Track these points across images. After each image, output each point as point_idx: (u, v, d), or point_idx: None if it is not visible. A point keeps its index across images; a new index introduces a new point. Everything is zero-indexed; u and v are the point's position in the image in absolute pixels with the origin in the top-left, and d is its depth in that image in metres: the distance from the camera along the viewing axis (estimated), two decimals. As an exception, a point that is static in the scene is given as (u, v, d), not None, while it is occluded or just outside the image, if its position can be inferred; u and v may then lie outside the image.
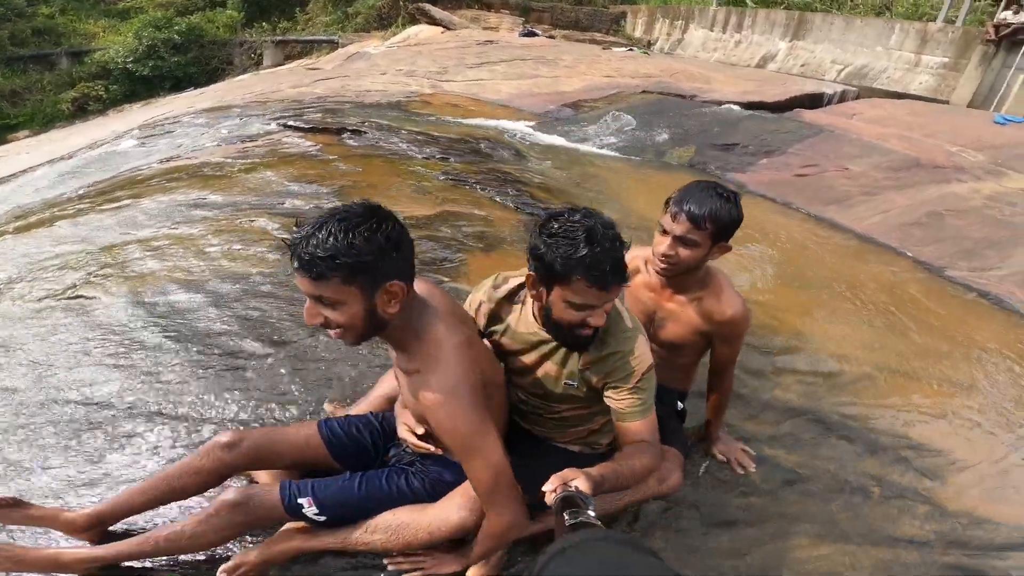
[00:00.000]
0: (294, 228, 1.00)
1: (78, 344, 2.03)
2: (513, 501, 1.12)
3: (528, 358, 1.30)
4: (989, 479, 1.71)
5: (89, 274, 2.61)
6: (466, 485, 1.22)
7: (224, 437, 1.26)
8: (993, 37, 7.71)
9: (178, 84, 15.53)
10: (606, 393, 1.24)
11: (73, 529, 1.30)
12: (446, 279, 2.44)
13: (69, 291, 2.50)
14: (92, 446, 1.60)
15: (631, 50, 10.58)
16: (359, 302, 1.01)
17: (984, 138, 5.03)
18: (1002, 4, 8.21)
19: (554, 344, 1.26)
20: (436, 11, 14.03)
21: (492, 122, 5.67)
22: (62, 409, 1.75)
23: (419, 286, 1.15)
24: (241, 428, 1.47)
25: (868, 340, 2.34)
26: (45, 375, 1.92)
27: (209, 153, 4.64)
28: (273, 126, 5.32)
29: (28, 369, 1.97)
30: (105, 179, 4.75)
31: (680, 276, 1.44)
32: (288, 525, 1.30)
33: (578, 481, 0.97)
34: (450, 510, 1.22)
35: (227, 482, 1.31)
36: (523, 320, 1.29)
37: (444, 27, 13.51)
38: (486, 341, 1.35)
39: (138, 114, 11.51)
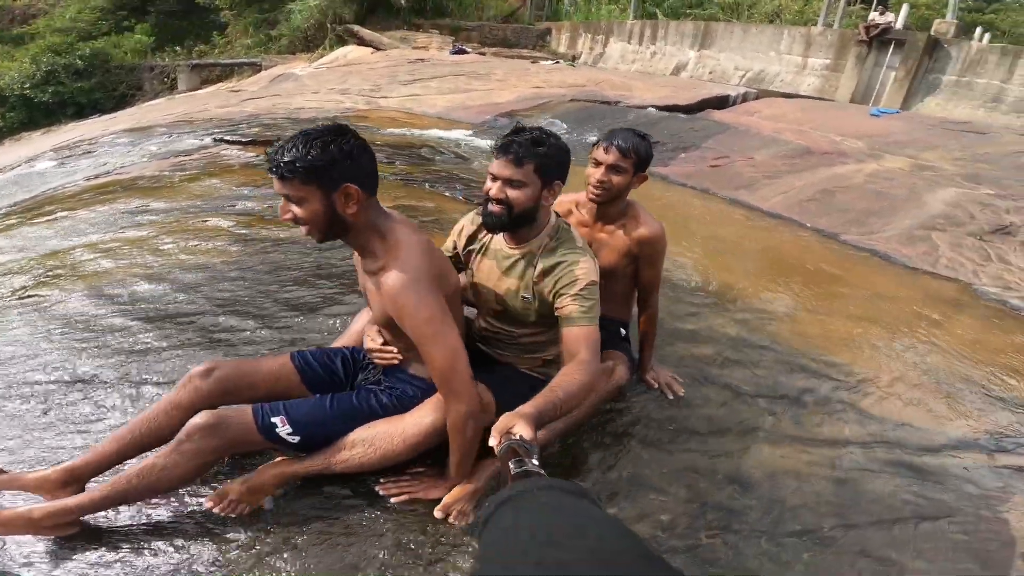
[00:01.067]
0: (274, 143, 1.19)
1: (40, 334, 2.01)
2: (469, 388, 1.22)
3: (495, 273, 1.45)
4: (898, 391, 2.06)
5: (37, 276, 2.55)
6: (434, 396, 1.31)
7: (200, 367, 1.30)
8: (865, 38, 8.82)
9: (81, 111, 14.63)
10: (555, 304, 1.36)
11: (47, 488, 1.25)
12: None
13: (18, 293, 2.44)
14: (76, 415, 1.62)
15: (558, 63, 11.16)
16: (318, 200, 1.18)
17: (862, 128, 5.80)
18: (872, 6, 9.40)
19: (515, 257, 1.42)
20: (365, 32, 14.14)
21: (431, 132, 5.88)
22: (32, 389, 1.75)
23: (385, 207, 1.30)
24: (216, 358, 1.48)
25: (786, 288, 2.72)
26: (6, 364, 1.89)
27: (141, 168, 4.54)
28: (207, 140, 5.25)
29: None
30: (28, 198, 4.52)
31: (608, 205, 1.68)
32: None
33: (518, 427, 0.98)
34: (420, 414, 1.29)
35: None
36: (496, 238, 1.47)
37: (374, 48, 13.62)
38: (467, 272, 1.51)
39: (41, 141, 10.77)
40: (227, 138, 5.18)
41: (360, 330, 1.58)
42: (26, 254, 2.95)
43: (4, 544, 1.23)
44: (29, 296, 2.41)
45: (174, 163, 4.54)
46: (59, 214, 3.59)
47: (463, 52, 12.49)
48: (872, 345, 2.36)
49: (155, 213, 3.26)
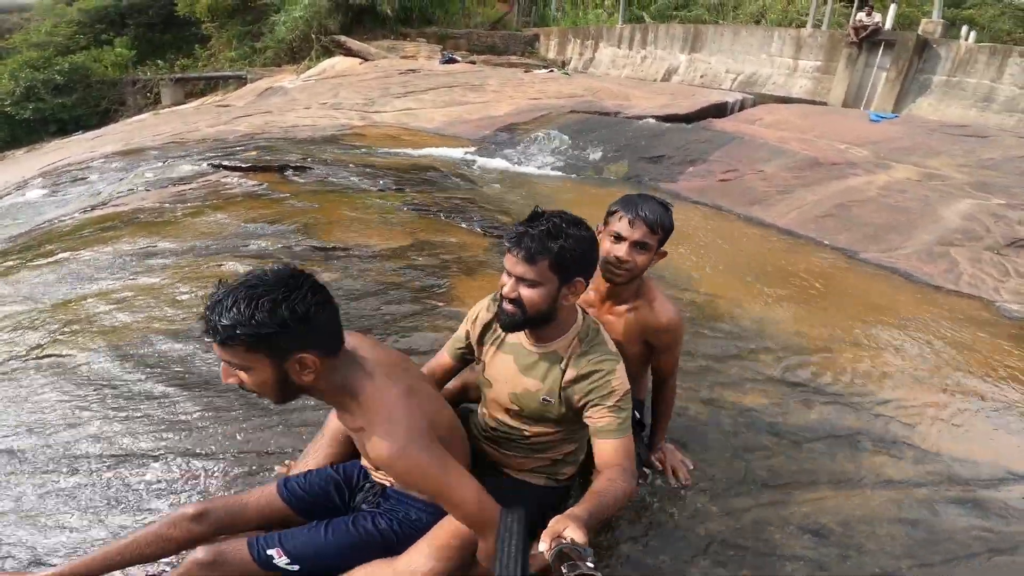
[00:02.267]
0: (211, 290, 1.03)
1: (70, 401, 1.93)
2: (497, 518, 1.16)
3: (512, 370, 1.34)
4: (947, 423, 2.05)
5: (52, 332, 2.45)
6: (431, 533, 1.23)
7: (190, 509, 1.27)
8: (855, 39, 8.90)
9: (64, 127, 14.36)
10: (586, 412, 1.27)
11: None
12: (441, 303, 2.52)
13: (35, 352, 2.34)
14: (133, 492, 1.55)
15: (552, 71, 11.12)
16: (268, 369, 1.03)
17: (864, 135, 5.83)
18: (855, 6, 9.49)
19: (537, 357, 1.31)
20: (352, 42, 14.00)
21: (433, 151, 5.80)
22: (79, 463, 1.67)
23: (350, 341, 1.18)
24: (203, 499, 1.47)
25: (817, 317, 2.69)
26: (47, 434, 1.81)
27: (140, 199, 4.41)
28: (205, 167, 5.12)
29: (26, 431, 1.84)
30: (22, 233, 4.37)
31: (624, 286, 1.52)
32: None
33: (570, 531, 0.94)
34: (418, 561, 1.20)
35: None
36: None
37: (362, 58, 13.48)
38: (481, 352, 1.41)
39: (25, 161, 10.50)
40: (225, 163, 5.05)
41: (335, 434, 1.49)
42: (34, 305, 2.83)
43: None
44: (47, 356, 2.31)
45: (174, 193, 4.41)
46: (60, 255, 3.46)
47: (453, 61, 12.41)
48: (914, 376, 2.35)
49: (165, 255, 3.15)
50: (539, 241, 1.17)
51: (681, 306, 2.77)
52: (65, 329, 2.48)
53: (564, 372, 1.29)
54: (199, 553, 1.20)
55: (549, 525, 0.97)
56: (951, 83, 8.26)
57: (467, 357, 1.49)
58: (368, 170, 4.72)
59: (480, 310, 1.43)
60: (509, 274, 1.22)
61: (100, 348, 2.27)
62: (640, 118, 6.80)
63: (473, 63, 12.49)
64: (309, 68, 13.97)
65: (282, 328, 1.00)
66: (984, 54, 8.07)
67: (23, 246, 3.93)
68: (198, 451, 1.70)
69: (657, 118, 6.79)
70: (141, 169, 5.33)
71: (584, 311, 1.36)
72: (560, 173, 5.42)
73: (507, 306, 1.23)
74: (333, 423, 1.52)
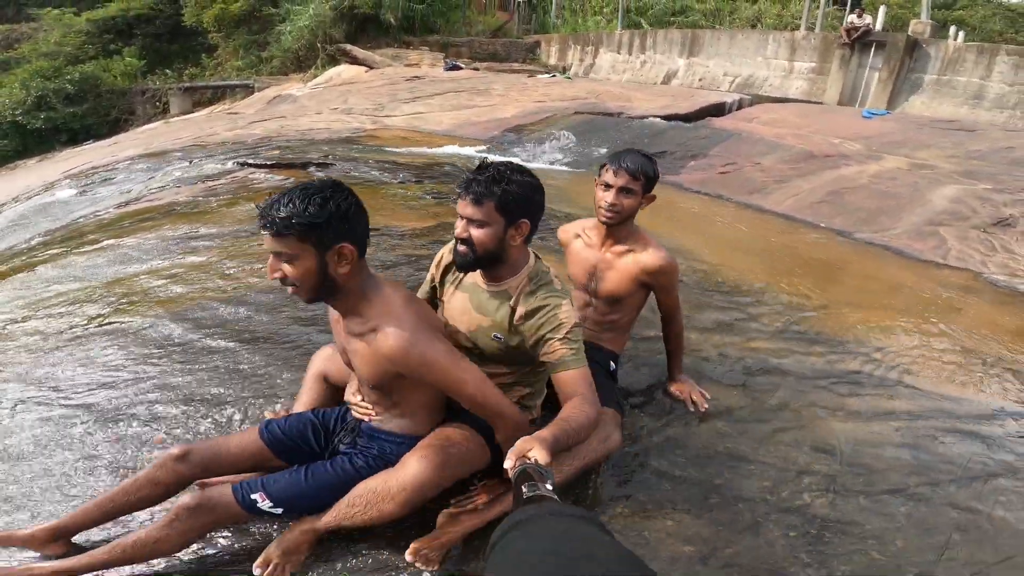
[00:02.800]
0: (266, 198, 1.17)
1: (137, 360, 2.13)
2: (507, 405, 1.29)
3: (467, 308, 1.43)
4: (940, 369, 2.27)
5: (110, 304, 2.66)
6: (420, 443, 1.33)
7: (175, 451, 1.35)
8: (847, 40, 9.19)
9: (75, 137, 14.58)
10: (541, 350, 1.33)
11: (36, 544, 1.35)
12: None
13: (96, 320, 2.55)
14: (208, 436, 1.76)
15: (555, 76, 11.43)
16: (312, 258, 1.16)
17: (857, 130, 6.09)
18: (847, 8, 9.80)
19: (490, 295, 1.39)
20: (357, 51, 14.32)
21: (447, 149, 6.05)
22: (156, 409, 1.88)
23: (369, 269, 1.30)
24: (189, 442, 1.55)
25: (815, 283, 2.92)
26: (120, 388, 2.01)
27: (173, 194, 4.64)
28: (230, 165, 5.36)
29: (99, 387, 2.05)
30: (59, 227, 4.60)
31: (617, 228, 1.70)
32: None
33: (534, 451, 0.98)
34: (409, 465, 1.28)
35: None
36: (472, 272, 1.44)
37: (367, 66, 13.80)
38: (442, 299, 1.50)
39: (41, 169, 10.74)
40: (250, 161, 5.30)
41: (317, 376, 1.62)
42: (87, 283, 3.05)
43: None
44: (109, 323, 2.52)
45: (204, 188, 4.65)
46: (105, 242, 3.69)
47: (457, 68, 12.72)
48: (906, 330, 2.57)
49: (207, 239, 3.38)
50: (485, 185, 1.28)
51: (688, 273, 3.02)
52: (123, 301, 2.70)
53: (514, 310, 1.36)
54: (185, 498, 1.27)
55: (516, 444, 1.02)
56: (942, 82, 8.54)
57: (435, 299, 1.58)
58: (387, 165, 4.97)
59: (444, 252, 1.53)
60: (461, 217, 1.33)
61: (160, 315, 2.49)
62: (642, 118, 7.05)
63: (476, 70, 12.80)
64: (316, 76, 14.28)
65: (329, 220, 1.14)
66: (972, 53, 8.36)
67: (65, 236, 4.16)
68: (264, 395, 1.90)
69: (659, 118, 7.04)
70: (169, 168, 5.58)
71: (537, 256, 1.45)
72: (568, 168, 5.67)
73: (460, 247, 1.34)
74: (315, 367, 1.64)
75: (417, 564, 1.30)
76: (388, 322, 1.23)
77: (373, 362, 1.27)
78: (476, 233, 1.30)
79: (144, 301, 2.66)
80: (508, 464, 0.97)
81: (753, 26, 13.72)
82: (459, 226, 1.33)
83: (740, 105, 7.83)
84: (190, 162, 5.78)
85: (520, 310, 1.36)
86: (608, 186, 1.67)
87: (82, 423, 1.89)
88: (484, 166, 1.33)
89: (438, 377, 1.24)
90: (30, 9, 20.38)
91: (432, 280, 1.56)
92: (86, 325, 2.56)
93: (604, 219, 1.70)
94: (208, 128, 8.65)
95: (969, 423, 1.97)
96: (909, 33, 9.10)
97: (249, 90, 15.02)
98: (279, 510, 1.31)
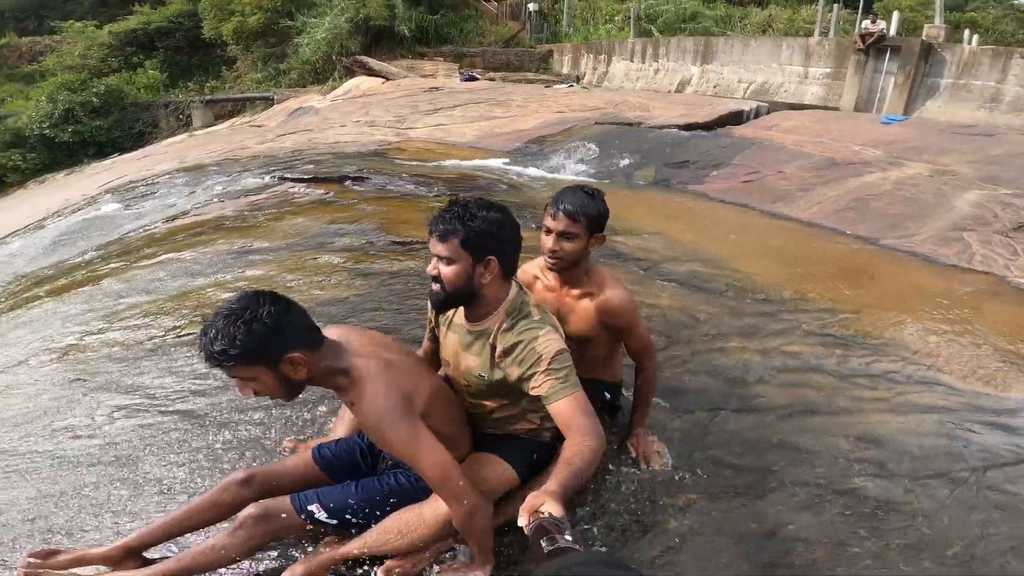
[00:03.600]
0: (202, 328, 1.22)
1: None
2: (466, 490, 1.29)
3: (458, 348, 1.46)
4: (970, 368, 2.40)
5: (184, 316, 2.86)
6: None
7: (239, 475, 1.47)
8: (862, 46, 9.29)
9: (102, 150, 14.87)
10: (529, 386, 1.33)
11: (110, 562, 1.46)
12: None
13: (174, 331, 2.75)
14: (301, 431, 1.93)
15: (572, 86, 11.63)
16: (268, 375, 1.22)
17: (876, 136, 6.20)
18: (859, 13, 9.91)
19: (473, 335, 1.41)
20: (374, 62, 14.62)
21: (474, 162, 6.24)
22: (255, 415, 2.05)
23: (334, 331, 1.37)
24: (251, 466, 1.65)
25: (846, 289, 3.07)
26: (213, 395, 2.19)
27: (219, 208, 4.86)
28: (268, 179, 5.59)
29: (192, 394, 2.23)
30: (112, 241, 4.83)
31: (569, 271, 1.64)
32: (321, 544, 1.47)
33: (546, 506, 0.97)
34: (440, 502, 1.34)
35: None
36: (459, 312, 1.45)
37: (384, 78, 14.08)
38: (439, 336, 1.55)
39: (72, 183, 11.03)
40: (288, 176, 5.52)
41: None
42: (154, 296, 3.25)
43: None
44: (187, 334, 2.71)
45: (248, 203, 4.86)
46: (162, 256, 3.90)
47: (473, 79, 12.96)
48: (936, 332, 2.71)
49: (263, 253, 3.57)
50: (449, 222, 1.29)
51: (719, 282, 3.17)
52: (196, 313, 2.89)
53: (494, 348, 1.37)
54: (250, 509, 1.39)
55: (526, 500, 1.01)
56: (958, 86, 8.61)
57: (436, 338, 1.60)
58: (420, 179, 5.16)
59: None
60: (432, 255, 1.34)
61: (234, 326, 2.68)
62: (662, 127, 7.20)
63: (492, 80, 13.03)
64: (334, 88, 14.59)
65: (263, 340, 1.18)
66: (987, 56, 8.43)
67: (121, 251, 4.38)
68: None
69: (678, 127, 7.19)
70: (209, 183, 5.81)
71: (521, 288, 1.43)
72: (592, 179, 5.83)
73: (433, 285, 1.35)
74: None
75: None
76: (361, 399, 1.28)
77: (366, 432, 1.38)
78: (444, 270, 1.31)
79: (199, 323, 2.84)
80: (522, 521, 0.96)
81: (764, 32, 13.85)
82: (431, 264, 1.34)
83: (758, 113, 7.96)
84: (229, 176, 6.01)
85: (499, 348, 1.36)
86: (548, 230, 1.58)
87: (180, 428, 2.05)
88: (452, 203, 1.34)
89: (398, 455, 1.30)
90: (52, 22, 21.01)
91: (431, 323, 1.59)
92: (164, 336, 2.75)
93: (549, 266, 1.64)
94: (237, 141, 8.92)
95: (999, 416, 2.11)
96: (923, 38, 9.19)
97: (269, 102, 15.35)
98: (334, 521, 1.40)
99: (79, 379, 2.47)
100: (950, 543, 1.52)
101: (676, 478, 1.71)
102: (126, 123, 15.50)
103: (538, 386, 1.31)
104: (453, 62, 15.66)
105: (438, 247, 1.31)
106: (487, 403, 1.48)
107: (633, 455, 1.75)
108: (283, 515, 1.39)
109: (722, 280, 3.05)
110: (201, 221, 4.59)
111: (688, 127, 7.20)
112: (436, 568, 1.45)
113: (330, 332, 1.37)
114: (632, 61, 13.25)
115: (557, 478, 1.12)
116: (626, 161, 6.07)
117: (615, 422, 1.90)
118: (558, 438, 1.45)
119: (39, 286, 4.06)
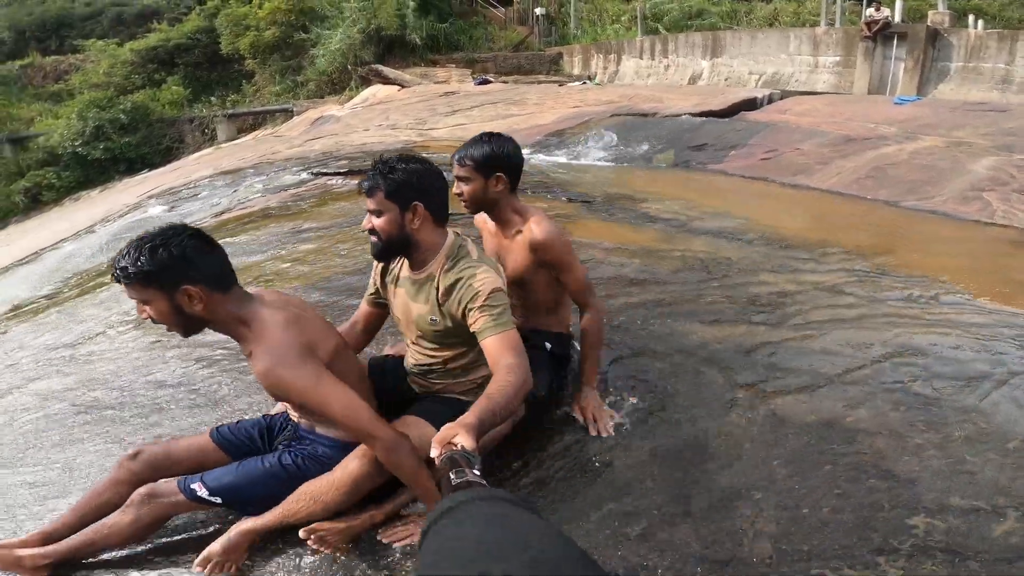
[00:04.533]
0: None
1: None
2: (378, 425, 1.30)
3: (406, 300, 1.51)
4: (997, 294, 2.50)
5: (255, 279, 3.10)
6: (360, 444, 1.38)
7: (128, 451, 1.52)
8: (868, 34, 9.44)
9: (131, 166, 15.28)
10: (467, 322, 1.38)
11: (31, 547, 1.49)
12: None
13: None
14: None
15: (585, 83, 11.88)
16: (163, 300, 1.26)
17: (891, 115, 6.33)
18: (864, 3, 10.04)
19: (419, 282, 1.47)
20: (388, 71, 15.01)
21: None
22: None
23: (253, 289, 1.41)
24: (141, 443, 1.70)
25: (877, 240, 3.25)
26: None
27: (264, 201, 5.15)
28: (305, 175, 5.88)
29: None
30: (165, 236, 5.12)
31: (493, 213, 1.71)
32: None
33: (460, 438, 0.98)
34: (347, 463, 1.37)
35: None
36: (404, 265, 1.53)
37: (399, 85, 14.45)
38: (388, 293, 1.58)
39: (108, 198, 11.41)
40: (323, 171, 5.80)
41: None
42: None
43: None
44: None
45: (290, 195, 5.14)
46: (219, 241, 4.17)
47: (487, 82, 13.26)
48: (966, 269, 2.87)
49: (313, 231, 3.83)
50: (373, 177, 1.40)
51: (747, 235, 3.34)
52: (261, 281, 3.14)
53: (438, 290, 1.44)
54: (141, 489, 1.44)
55: (440, 431, 1.02)
56: (968, 69, 8.71)
57: (379, 302, 1.66)
58: (445, 167, 5.40)
59: None
60: (366, 211, 1.42)
61: (297, 287, 2.92)
62: (677, 116, 7.39)
63: (505, 83, 13.33)
64: (351, 97, 14.99)
65: (162, 268, 1.23)
66: (994, 40, 8.53)
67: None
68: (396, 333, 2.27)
69: (693, 115, 7.38)
70: (249, 182, 6.12)
71: (457, 233, 1.50)
72: (613, 164, 6.04)
73: (371, 238, 1.44)
74: None
75: (309, 542, 1.37)
76: (258, 347, 1.30)
77: (263, 383, 1.36)
78: (376, 222, 1.40)
79: (279, 279, 3.09)
80: (434, 452, 0.97)
81: (771, 25, 14.01)
82: (365, 220, 1.43)
83: (771, 100, 8.12)
84: (267, 176, 6.31)
85: (441, 288, 1.43)
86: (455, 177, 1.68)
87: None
88: (375, 161, 1.43)
89: (301, 400, 1.32)
90: (73, 41, 21.74)
91: (374, 284, 1.64)
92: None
93: (465, 209, 1.73)
94: (267, 148, 9.27)
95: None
96: (928, 24, 9.31)
97: (289, 114, 15.78)
98: (217, 499, 1.42)
99: (158, 341, 2.72)
100: (1008, 437, 1.58)
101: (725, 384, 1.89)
102: (153, 139, 15.96)
103: (473, 322, 1.37)
104: (465, 68, 16.00)
105: (368, 202, 1.41)
106: (442, 352, 1.52)
107: (580, 420, 1.71)
108: (169, 495, 1.42)
109: (751, 233, 3.24)
110: (247, 213, 4.87)
111: (702, 115, 7.37)
112: (394, 524, 1.45)
113: (250, 289, 1.41)
114: (642, 59, 13.49)
115: (474, 411, 1.13)
116: (645, 147, 6.28)
117: (566, 374, 1.88)
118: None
119: (102, 276, 4.34)
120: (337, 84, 16.34)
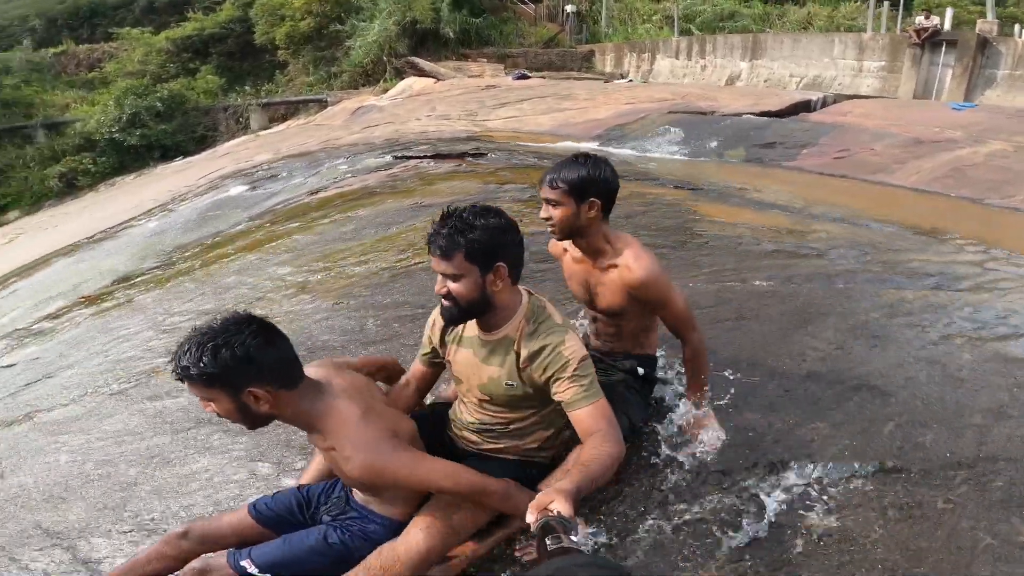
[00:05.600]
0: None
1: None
2: (488, 480, 1.33)
3: (474, 362, 1.42)
4: None
5: (402, 250, 3.30)
6: (421, 515, 1.37)
7: (178, 529, 1.52)
8: (917, 40, 9.66)
9: (166, 153, 15.36)
10: (553, 390, 1.32)
11: None
12: (696, 217, 3.37)
13: (402, 261, 3.20)
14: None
15: (631, 81, 12.08)
16: (228, 400, 1.20)
17: (951, 120, 6.55)
18: (900, 9, 10.24)
19: (492, 345, 1.39)
20: (425, 64, 15.19)
21: (566, 144, 6.70)
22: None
23: (316, 371, 1.35)
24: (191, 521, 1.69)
25: (987, 232, 3.45)
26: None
27: (360, 181, 5.35)
28: (388, 159, 6.09)
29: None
30: (263, 211, 5.33)
31: (581, 241, 1.59)
32: None
33: (556, 504, 0.97)
34: (416, 539, 1.33)
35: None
36: (470, 325, 1.42)
37: (434, 78, 14.64)
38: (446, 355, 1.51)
39: (141, 186, 11.35)
40: (408, 154, 6.01)
41: (323, 461, 1.61)
42: (357, 241, 3.69)
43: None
44: (416, 263, 3.16)
45: (385, 175, 5.35)
46: (335, 216, 4.38)
47: (525, 77, 13.45)
48: None
49: (434, 207, 4.03)
50: (448, 238, 1.25)
51: (866, 220, 3.53)
52: (413, 248, 3.34)
53: (519, 355, 1.35)
54: (193, 562, 1.43)
55: (537, 497, 1.01)
56: (1015, 76, 8.92)
57: (435, 361, 1.57)
58: (534, 155, 5.62)
59: (435, 316, 1.51)
60: (436, 273, 1.30)
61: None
62: (736, 115, 7.60)
63: (543, 78, 13.53)
64: (387, 89, 15.16)
65: (226, 368, 1.17)
66: (1042, 48, 8.74)
67: (282, 217, 4.87)
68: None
69: (752, 115, 7.58)
70: (333, 163, 6.32)
71: (530, 292, 1.42)
72: (685, 158, 6.25)
73: (444, 302, 1.32)
74: (318, 456, 1.63)
75: None
76: (345, 446, 1.27)
77: (345, 477, 1.34)
78: (454, 287, 1.28)
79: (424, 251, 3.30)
80: (530, 518, 0.96)
81: (804, 29, 14.21)
82: (438, 283, 1.31)
83: (824, 102, 8.33)
84: (347, 158, 6.52)
85: (524, 353, 1.35)
86: (543, 199, 1.57)
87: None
88: (446, 215, 1.29)
89: (405, 484, 1.31)
90: (106, 29, 21.93)
91: (430, 343, 1.55)
92: (392, 268, 3.21)
93: (549, 233, 1.61)
94: (323, 135, 9.47)
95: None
96: (978, 32, 9.51)
97: (323, 104, 15.91)
98: (266, 575, 1.40)
99: (338, 303, 2.93)
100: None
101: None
102: (189, 127, 16.07)
103: (562, 391, 1.31)
104: (497, 63, 16.15)
105: (442, 265, 1.27)
106: (508, 414, 1.45)
107: (685, 433, 1.68)
108: (220, 569, 1.42)
109: (869, 219, 3.46)
110: (347, 192, 5.08)
111: (761, 115, 7.58)
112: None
113: (312, 371, 1.36)
114: (677, 59, 13.67)
115: (571, 478, 1.12)
116: (714, 143, 6.48)
117: (652, 398, 1.83)
118: (547, 466, 1.49)
119: (213, 249, 4.55)
120: (371, 76, 16.49)
